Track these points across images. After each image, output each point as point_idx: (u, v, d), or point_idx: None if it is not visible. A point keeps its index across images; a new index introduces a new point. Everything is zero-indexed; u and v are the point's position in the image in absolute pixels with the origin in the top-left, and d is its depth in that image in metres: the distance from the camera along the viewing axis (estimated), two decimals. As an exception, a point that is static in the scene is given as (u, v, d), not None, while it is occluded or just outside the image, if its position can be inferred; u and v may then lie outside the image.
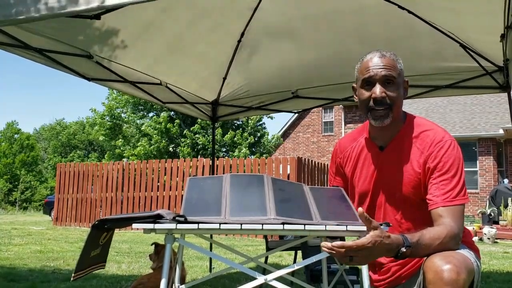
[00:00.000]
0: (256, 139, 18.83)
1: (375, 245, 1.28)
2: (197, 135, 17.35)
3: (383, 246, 1.29)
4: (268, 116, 19.29)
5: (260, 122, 19.78)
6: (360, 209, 1.29)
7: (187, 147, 16.98)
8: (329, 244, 1.28)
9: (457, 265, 1.30)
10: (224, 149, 18.02)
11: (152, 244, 3.15)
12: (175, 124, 17.57)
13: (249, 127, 18.69)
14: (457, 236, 1.44)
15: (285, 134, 21.97)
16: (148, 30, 3.35)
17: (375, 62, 1.58)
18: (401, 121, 1.66)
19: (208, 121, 4.99)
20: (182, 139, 17.44)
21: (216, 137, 17.03)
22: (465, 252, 1.44)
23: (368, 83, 1.59)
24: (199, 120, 17.12)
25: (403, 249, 1.33)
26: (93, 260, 1.65)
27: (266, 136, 19.87)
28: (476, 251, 1.57)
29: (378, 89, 1.56)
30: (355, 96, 1.69)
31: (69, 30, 3.05)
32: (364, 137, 1.74)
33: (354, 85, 1.69)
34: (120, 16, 2.98)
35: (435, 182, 1.52)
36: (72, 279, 1.57)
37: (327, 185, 2.08)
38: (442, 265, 1.30)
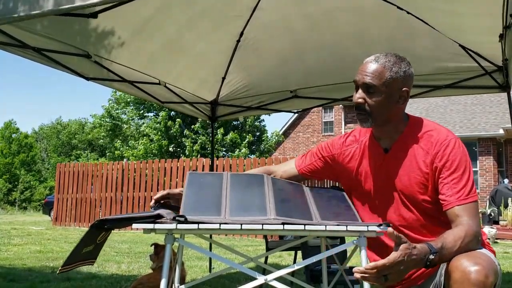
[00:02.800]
0: (255, 137, 18.81)
1: (405, 258, 1.28)
2: (197, 135, 17.35)
3: (412, 258, 1.30)
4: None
5: (259, 120, 19.74)
6: (389, 229, 1.29)
7: (194, 144, 16.96)
8: (361, 268, 1.29)
9: (485, 266, 1.30)
10: (224, 149, 18.02)
11: (152, 245, 3.14)
12: (176, 123, 17.55)
13: (247, 126, 18.67)
14: (477, 233, 1.45)
15: (285, 134, 21.98)
16: (146, 29, 3.34)
17: (363, 67, 1.60)
18: (403, 122, 1.66)
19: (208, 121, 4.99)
20: (183, 139, 17.44)
21: (217, 136, 17.04)
22: (489, 254, 1.44)
23: (356, 86, 1.62)
24: (199, 119, 17.13)
25: (431, 256, 1.33)
26: (83, 256, 1.65)
27: (265, 134, 19.83)
28: (493, 252, 1.56)
29: (356, 95, 1.61)
30: None
31: (67, 29, 3.05)
32: (367, 137, 1.73)
33: None
34: (117, 15, 2.98)
35: (446, 182, 1.52)
36: (58, 272, 1.57)
37: (326, 185, 2.08)
38: (469, 265, 1.30)
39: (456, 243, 1.38)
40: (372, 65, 1.58)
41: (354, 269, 1.31)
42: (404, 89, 1.59)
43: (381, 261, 1.27)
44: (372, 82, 1.56)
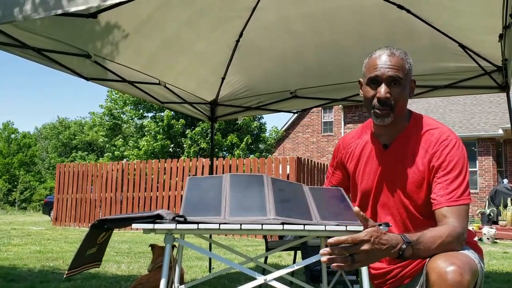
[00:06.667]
0: (254, 137, 18.75)
1: (372, 239, 1.24)
2: (198, 136, 17.33)
3: (382, 243, 1.26)
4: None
5: (259, 118, 19.63)
6: (356, 208, 1.25)
7: (193, 146, 16.94)
8: (327, 249, 1.24)
9: (461, 266, 1.28)
10: (225, 148, 17.98)
11: (149, 246, 3.14)
12: (179, 122, 17.50)
13: (244, 126, 18.59)
14: (461, 236, 1.42)
15: (285, 134, 21.97)
16: (146, 28, 3.34)
17: (383, 61, 1.55)
18: (406, 119, 1.64)
19: (208, 123, 4.99)
20: (183, 139, 17.41)
21: (215, 140, 17.01)
22: (469, 253, 1.42)
23: (374, 81, 1.56)
24: (199, 123, 17.12)
25: (404, 246, 1.29)
26: (88, 258, 1.65)
27: (264, 132, 19.75)
28: (479, 252, 1.54)
29: (383, 90, 1.54)
30: (360, 91, 1.67)
31: (67, 29, 3.05)
32: (368, 134, 1.73)
33: (361, 79, 1.67)
34: (117, 15, 2.98)
35: (440, 182, 1.51)
36: (65, 276, 1.58)
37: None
38: (445, 266, 1.28)
39: (435, 240, 1.36)
40: (392, 58, 1.55)
41: (321, 252, 1.25)
42: (413, 79, 1.62)
43: (343, 237, 1.23)
44: (398, 75, 1.54)
